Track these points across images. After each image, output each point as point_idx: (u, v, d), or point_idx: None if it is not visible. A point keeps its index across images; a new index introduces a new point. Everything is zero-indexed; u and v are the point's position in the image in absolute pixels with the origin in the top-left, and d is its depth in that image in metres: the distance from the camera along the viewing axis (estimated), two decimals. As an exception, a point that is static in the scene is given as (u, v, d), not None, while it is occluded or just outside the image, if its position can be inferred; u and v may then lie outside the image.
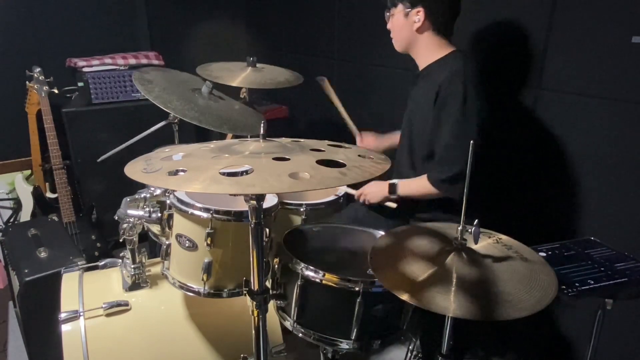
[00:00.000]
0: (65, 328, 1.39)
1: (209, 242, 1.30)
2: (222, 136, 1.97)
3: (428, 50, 1.66)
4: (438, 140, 1.58)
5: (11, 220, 2.83)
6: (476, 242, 1.08)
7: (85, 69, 2.62)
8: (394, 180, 1.71)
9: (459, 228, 1.08)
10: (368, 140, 2.06)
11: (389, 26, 1.73)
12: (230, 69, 2.10)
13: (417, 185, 1.66)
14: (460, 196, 1.54)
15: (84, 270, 1.62)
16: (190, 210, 1.31)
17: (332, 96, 2.10)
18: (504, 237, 1.19)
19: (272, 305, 1.32)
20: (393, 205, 1.75)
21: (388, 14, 1.69)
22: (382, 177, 1.09)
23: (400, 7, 1.63)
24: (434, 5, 1.60)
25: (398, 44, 1.72)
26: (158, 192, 1.48)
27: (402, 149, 1.81)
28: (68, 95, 2.78)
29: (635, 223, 1.59)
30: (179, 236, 1.36)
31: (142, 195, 1.47)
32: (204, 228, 1.30)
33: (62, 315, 1.40)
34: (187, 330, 1.49)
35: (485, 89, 1.58)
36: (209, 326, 1.52)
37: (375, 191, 1.75)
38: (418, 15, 1.60)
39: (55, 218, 2.25)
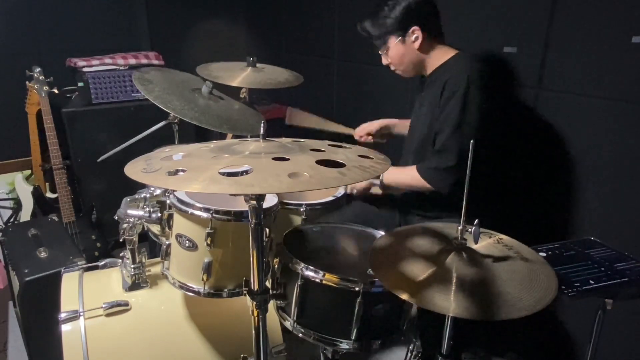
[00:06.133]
0: (65, 328, 1.39)
1: (209, 242, 1.30)
2: (222, 136, 1.97)
3: (434, 60, 1.68)
4: (436, 135, 1.60)
5: (11, 220, 2.83)
6: (476, 242, 1.08)
7: (85, 69, 2.62)
8: (380, 183, 1.72)
9: (459, 228, 1.08)
10: (363, 128, 2.03)
11: (386, 62, 1.72)
12: (230, 69, 2.10)
13: (405, 175, 1.67)
14: (449, 190, 1.57)
15: (84, 270, 1.62)
16: (190, 210, 1.31)
17: (310, 120, 2.07)
18: (504, 237, 1.19)
19: (272, 305, 1.32)
20: (379, 191, 1.75)
21: (384, 49, 1.68)
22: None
23: (393, 39, 1.63)
24: (424, 17, 1.61)
25: (407, 71, 1.72)
26: (158, 192, 1.48)
27: (409, 152, 1.81)
28: (68, 95, 2.77)
29: (635, 223, 1.59)
30: (179, 236, 1.36)
31: (142, 195, 1.47)
32: (204, 228, 1.30)
33: (62, 315, 1.40)
34: (187, 330, 1.49)
35: (489, 90, 1.59)
36: (209, 326, 1.52)
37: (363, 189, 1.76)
38: (415, 35, 1.61)
39: (55, 218, 2.25)
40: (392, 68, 1.74)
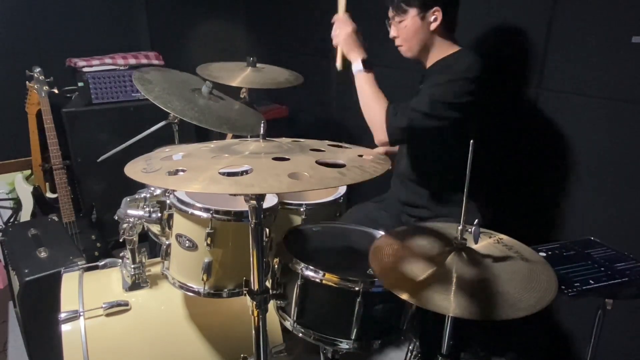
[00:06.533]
0: (65, 328, 1.39)
1: (209, 242, 1.30)
2: (222, 136, 1.97)
3: (438, 51, 1.66)
4: (423, 92, 1.57)
5: (11, 220, 2.83)
6: (476, 242, 1.08)
7: (85, 69, 2.62)
8: (364, 68, 1.64)
9: (459, 228, 1.08)
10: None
11: (393, 34, 1.68)
12: (230, 69, 2.10)
13: (375, 98, 1.61)
14: (393, 140, 1.56)
15: (84, 270, 1.62)
16: (190, 210, 1.31)
17: None
18: (504, 237, 1.19)
19: (272, 305, 1.32)
20: (338, 64, 1.70)
21: (399, 19, 1.63)
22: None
23: (413, 11, 1.60)
24: (449, 4, 1.60)
25: (412, 50, 1.67)
26: (158, 192, 1.48)
27: (403, 148, 1.81)
28: (68, 95, 2.78)
29: (635, 223, 1.59)
30: (179, 236, 1.36)
31: (142, 195, 1.47)
32: (204, 228, 1.30)
33: (62, 315, 1.40)
34: (187, 330, 1.49)
35: (486, 87, 1.58)
36: (209, 326, 1.52)
37: (346, 40, 1.69)
38: (435, 15, 1.59)
39: (55, 218, 2.25)
40: (397, 43, 1.69)
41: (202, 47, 3.26)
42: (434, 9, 1.58)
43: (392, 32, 1.69)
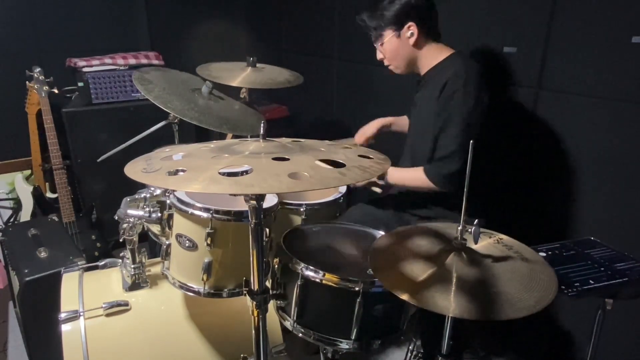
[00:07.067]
0: (65, 328, 1.39)
1: (209, 242, 1.30)
2: (222, 136, 1.97)
3: (429, 59, 1.68)
4: (440, 137, 1.60)
5: (11, 220, 2.83)
6: (476, 242, 1.08)
7: (85, 69, 2.62)
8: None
9: (459, 228, 1.07)
10: (362, 134, 2.02)
11: (380, 56, 1.73)
12: (230, 69, 2.10)
13: (411, 177, 1.68)
14: (456, 190, 1.57)
15: (84, 270, 1.62)
16: (190, 210, 1.31)
17: None
18: (504, 237, 1.19)
19: (272, 305, 1.32)
20: (378, 190, 1.74)
21: (379, 42, 1.69)
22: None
23: (388, 32, 1.64)
24: (422, 15, 1.61)
25: (400, 67, 1.72)
26: (158, 192, 1.47)
27: (407, 152, 1.82)
28: (68, 95, 2.78)
29: (635, 223, 1.59)
30: (179, 236, 1.36)
31: (142, 195, 1.47)
32: (204, 228, 1.30)
33: (62, 315, 1.40)
34: (187, 330, 1.49)
35: (486, 89, 1.59)
36: (209, 326, 1.52)
37: None
38: (410, 30, 1.61)
39: (55, 218, 2.25)
40: (386, 63, 1.74)
41: (202, 47, 3.25)
42: (408, 24, 1.61)
43: (379, 55, 1.73)
